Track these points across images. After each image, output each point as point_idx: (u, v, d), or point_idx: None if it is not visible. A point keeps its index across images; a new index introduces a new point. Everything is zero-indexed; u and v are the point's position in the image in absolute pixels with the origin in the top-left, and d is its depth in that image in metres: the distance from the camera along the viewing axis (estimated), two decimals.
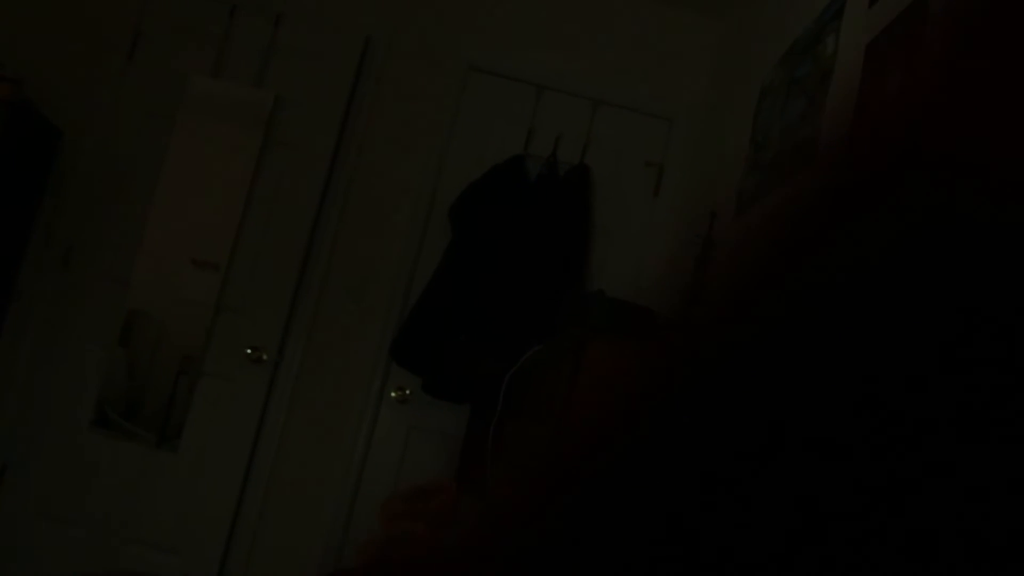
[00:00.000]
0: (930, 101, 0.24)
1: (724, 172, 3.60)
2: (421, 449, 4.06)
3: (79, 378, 4.00)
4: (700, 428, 0.22)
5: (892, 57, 2.22)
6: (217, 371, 4.02)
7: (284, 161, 4.11)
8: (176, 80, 4.13)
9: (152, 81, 4.16)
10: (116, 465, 3.97)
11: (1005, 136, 0.22)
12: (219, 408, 4.01)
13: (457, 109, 4.24)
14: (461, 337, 3.87)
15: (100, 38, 4.17)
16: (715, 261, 2.76)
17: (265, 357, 4.01)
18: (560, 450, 0.26)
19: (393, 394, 4.08)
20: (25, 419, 3.99)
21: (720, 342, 0.23)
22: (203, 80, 4.15)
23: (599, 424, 0.25)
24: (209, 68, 4.18)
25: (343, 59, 4.15)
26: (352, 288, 4.11)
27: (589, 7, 4.32)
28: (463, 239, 4.01)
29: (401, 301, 4.09)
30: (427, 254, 4.11)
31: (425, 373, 3.97)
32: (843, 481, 0.20)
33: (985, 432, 0.20)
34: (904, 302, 0.21)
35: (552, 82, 4.26)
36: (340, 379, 4.08)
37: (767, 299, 0.23)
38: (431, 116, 4.22)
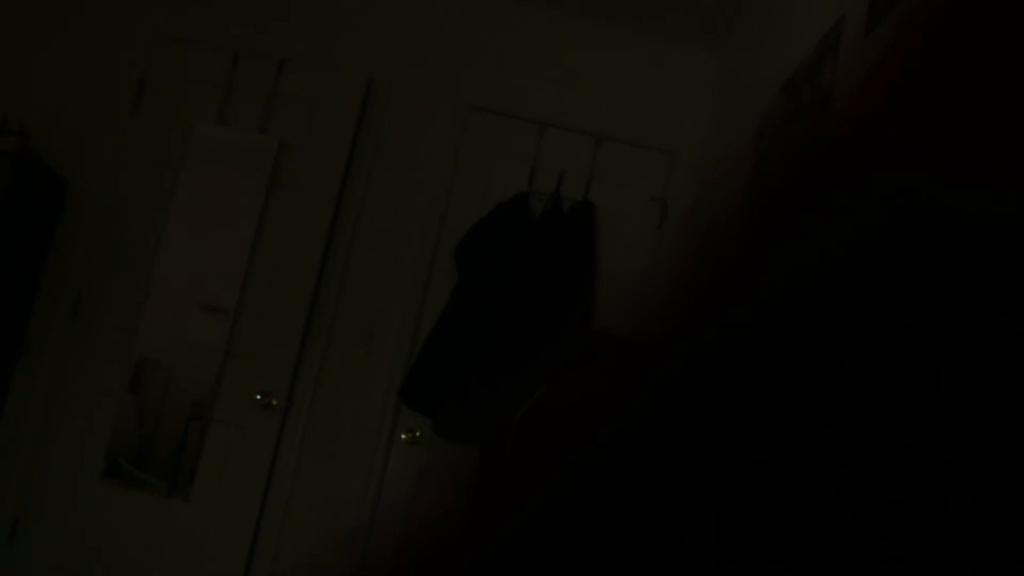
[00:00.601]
0: (901, 91, 0.23)
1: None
2: (432, 491, 4.04)
3: (90, 429, 4.00)
4: (675, 435, 0.22)
5: None
6: (227, 418, 4.01)
7: (290, 205, 4.13)
8: (181, 128, 4.16)
9: (157, 130, 4.19)
10: (128, 516, 3.96)
11: (982, 126, 0.22)
12: (230, 455, 4.00)
13: (460, 148, 4.25)
14: (470, 377, 3.85)
15: (105, 88, 4.21)
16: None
17: (275, 402, 4.01)
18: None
19: (403, 436, 4.06)
20: (36, 471, 3.98)
21: (688, 351, 0.23)
22: (208, 128, 4.18)
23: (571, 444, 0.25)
24: (213, 115, 4.20)
25: (345, 102, 4.18)
26: (360, 331, 4.11)
27: (588, 44, 4.34)
28: (469, 278, 4.01)
29: (409, 342, 4.08)
30: (434, 294, 4.10)
31: (435, 414, 3.95)
32: (830, 485, 0.20)
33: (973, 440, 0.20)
34: (879, 294, 0.21)
35: (554, 119, 4.27)
36: (350, 422, 4.07)
37: (737, 301, 0.23)
38: (434, 156, 4.23)
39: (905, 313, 0.21)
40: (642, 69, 4.33)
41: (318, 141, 4.16)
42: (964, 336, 0.20)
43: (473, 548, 0.24)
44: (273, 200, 4.14)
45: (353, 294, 4.14)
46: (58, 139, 4.11)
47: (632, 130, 4.28)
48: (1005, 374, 0.20)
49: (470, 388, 3.86)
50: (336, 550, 4.03)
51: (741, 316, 0.22)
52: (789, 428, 0.21)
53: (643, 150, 4.29)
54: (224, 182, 4.19)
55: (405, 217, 4.20)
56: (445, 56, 4.31)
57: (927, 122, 0.22)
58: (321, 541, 4.00)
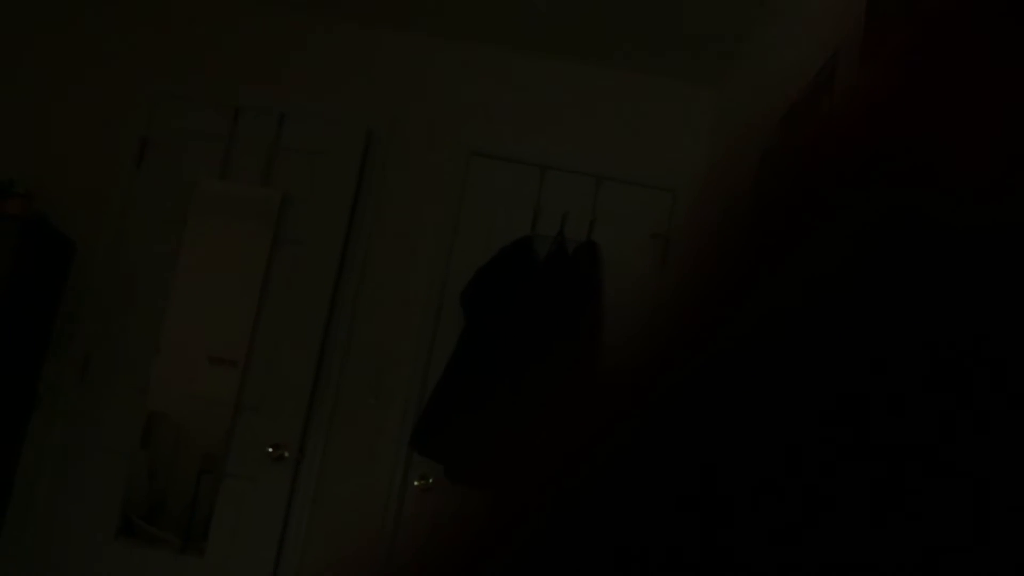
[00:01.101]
0: (889, 103, 0.23)
1: None
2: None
3: (102, 487, 4.00)
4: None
5: None
6: (239, 472, 4.01)
7: (295, 257, 4.15)
8: (185, 184, 4.19)
9: (161, 187, 4.21)
10: (142, 573, 3.94)
11: (969, 137, 0.21)
12: (243, 509, 3.99)
13: (463, 194, 4.27)
14: (480, 422, 3.85)
15: (108, 148, 4.25)
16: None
17: (287, 454, 4.01)
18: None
19: (416, 483, 4.05)
20: (50, 532, 3.97)
21: (673, 377, 0.22)
22: (211, 183, 4.21)
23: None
24: (216, 170, 4.23)
25: (347, 153, 4.21)
26: (370, 379, 4.12)
27: (585, 85, 4.37)
28: (476, 324, 4.02)
29: (419, 389, 4.08)
30: (442, 340, 4.11)
31: (447, 460, 3.95)
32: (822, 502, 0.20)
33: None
34: (868, 311, 0.21)
35: (555, 162, 4.29)
36: (362, 472, 4.06)
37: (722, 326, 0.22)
38: (437, 203, 4.26)
39: (900, 326, 0.21)
40: (641, 107, 4.36)
41: (321, 192, 4.18)
42: (960, 348, 0.20)
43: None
44: (278, 252, 4.16)
45: (361, 343, 4.15)
46: (63, 200, 4.14)
47: (632, 169, 4.30)
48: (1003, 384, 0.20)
49: (482, 432, 3.86)
50: None
51: (738, 330, 0.22)
52: (791, 440, 0.21)
53: (644, 188, 4.30)
54: (229, 235, 4.22)
55: (410, 264, 4.22)
56: (444, 103, 4.34)
57: (919, 133, 0.22)
58: None
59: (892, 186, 0.21)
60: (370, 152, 4.25)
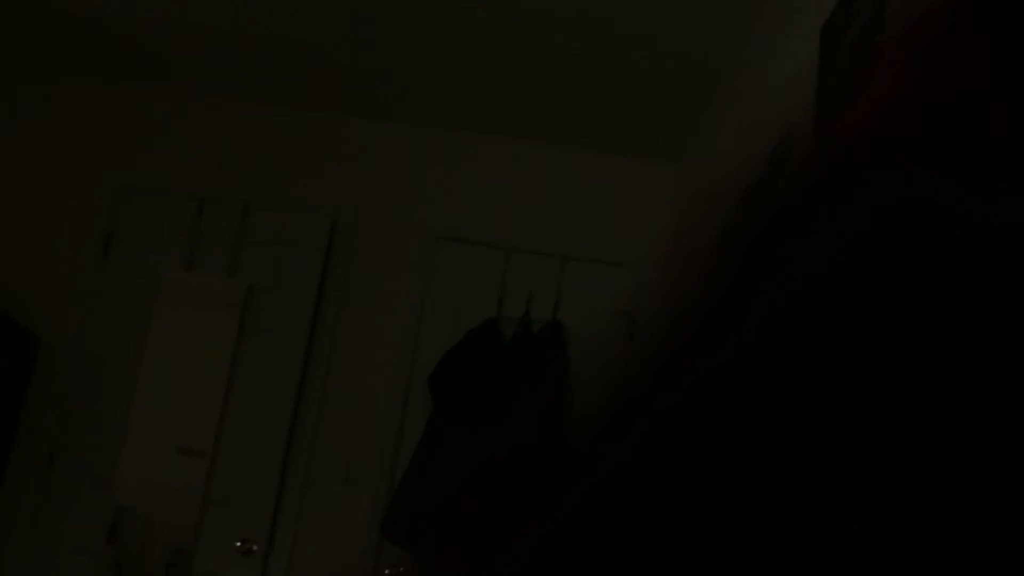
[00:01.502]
0: (902, 96, 0.23)
1: None
2: None
3: None
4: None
5: None
6: (208, 568, 3.94)
7: (261, 346, 4.13)
8: (149, 277, 4.18)
9: (126, 280, 4.20)
10: None
11: (985, 130, 0.21)
12: None
13: (428, 278, 4.28)
14: (448, 504, 3.81)
15: (72, 242, 4.23)
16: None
17: (255, 548, 3.94)
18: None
19: (386, 572, 3.99)
20: None
21: (690, 371, 0.23)
22: (177, 275, 4.20)
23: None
24: (181, 262, 4.23)
25: (312, 242, 4.22)
26: (338, 466, 4.07)
27: (548, 166, 4.41)
28: (444, 407, 4.00)
29: (388, 475, 4.05)
30: (410, 424, 4.08)
31: (418, 548, 3.89)
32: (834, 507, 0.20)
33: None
34: (883, 300, 0.21)
35: (519, 243, 4.32)
36: (332, 563, 4.00)
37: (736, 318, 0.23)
38: (403, 288, 4.26)
39: (907, 317, 0.20)
40: (604, 187, 4.40)
41: (287, 282, 4.18)
42: (969, 341, 0.20)
43: None
44: (244, 342, 4.14)
45: (329, 430, 4.12)
46: (26, 295, 4.11)
47: (597, 247, 4.33)
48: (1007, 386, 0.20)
49: (449, 515, 3.81)
50: None
51: (746, 331, 0.22)
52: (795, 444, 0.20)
53: (609, 266, 4.32)
54: (195, 326, 4.20)
55: (377, 350, 4.20)
56: (409, 188, 4.37)
57: (926, 127, 0.22)
58: None
59: (909, 176, 0.21)
60: (335, 240, 4.26)
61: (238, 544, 3.94)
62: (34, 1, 3.90)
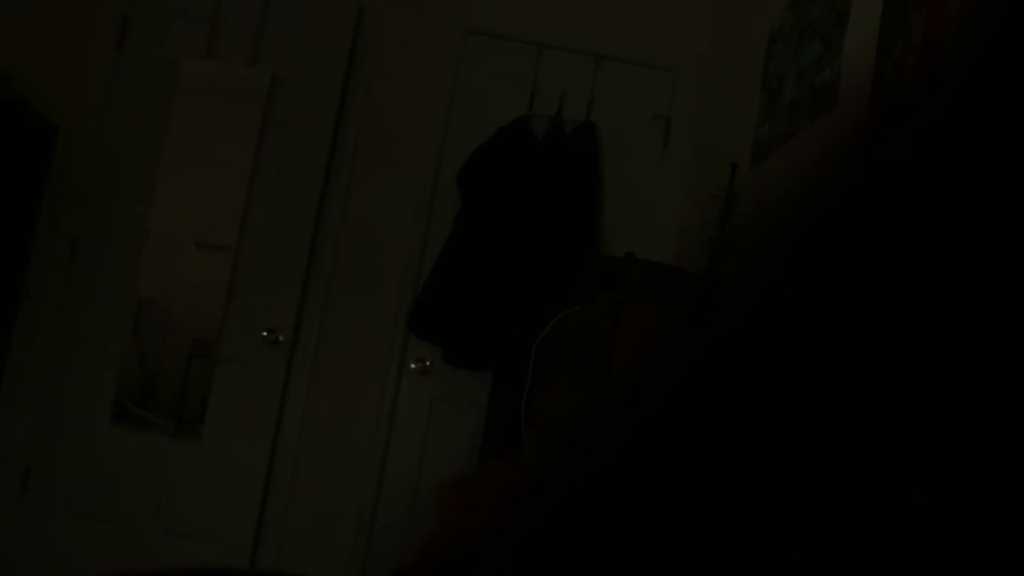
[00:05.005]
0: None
1: (735, 121, 3.54)
2: (445, 420, 4.04)
3: (95, 373, 3.97)
4: (735, 390, 0.21)
5: None
6: (234, 356, 3.98)
7: (285, 139, 4.06)
8: (169, 66, 4.07)
9: (144, 68, 4.09)
10: (140, 458, 3.94)
11: None
12: (239, 393, 3.97)
13: (457, 74, 4.17)
14: (479, 303, 3.83)
15: (88, 29, 4.10)
16: (739, 214, 2.71)
17: (281, 338, 3.98)
18: (596, 417, 0.25)
19: (413, 366, 4.04)
20: (44, 419, 3.96)
21: (750, 301, 0.22)
22: (196, 64, 4.08)
23: (634, 390, 0.24)
24: (201, 51, 4.10)
25: (337, 32, 4.08)
26: (364, 261, 4.07)
27: None
28: (473, 205, 3.96)
29: (415, 271, 4.04)
30: (437, 222, 4.06)
31: (445, 343, 3.94)
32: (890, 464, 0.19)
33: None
34: (943, 250, 0.19)
35: (552, 40, 4.18)
36: (359, 355, 4.05)
37: (796, 253, 0.22)
38: (432, 83, 4.15)
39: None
40: None
41: (311, 72, 4.07)
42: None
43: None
44: (268, 134, 4.06)
45: (355, 225, 4.09)
46: (44, 83, 4.01)
47: (633, 48, 4.21)
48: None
49: (480, 314, 3.84)
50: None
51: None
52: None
53: (645, 68, 4.22)
54: (217, 118, 4.11)
55: (405, 145, 4.13)
56: None
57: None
58: (336, 473, 4.00)
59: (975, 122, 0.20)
60: (362, 29, 4.12)
61: (264, 334, 3.97)
62: None
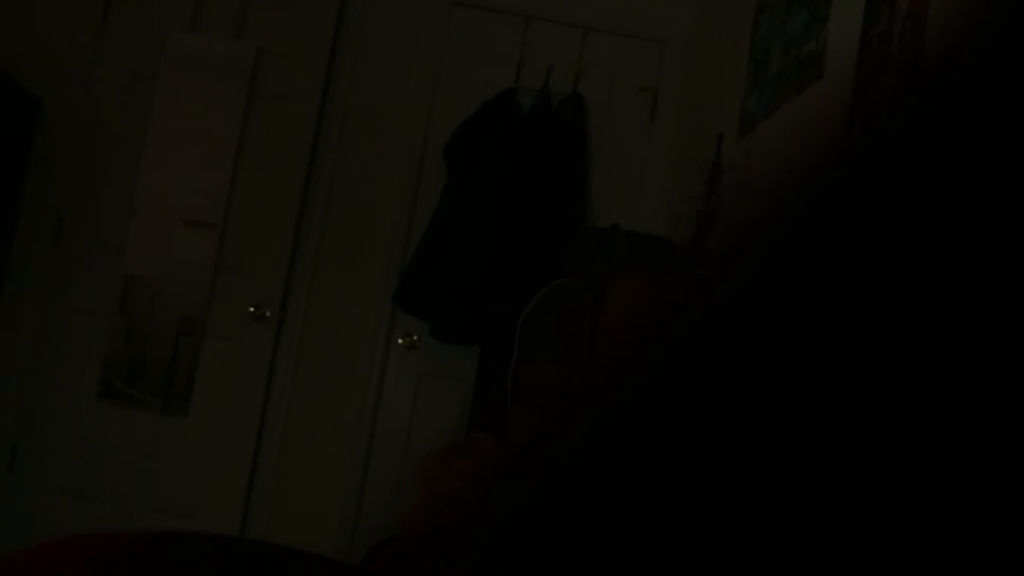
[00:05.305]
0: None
1: (722, 92, 3.52)
2: (433, 395, 4.03)
3: (82, 351, 3.96)
4: (724, 363, 0.20)
5: None
6: (221, 332, 3.97)
7: (271, 113, 4.03)
8: (153, 39, 4.03)
9: (129, 41, 4.06)
10: (128, 435, 3.94)
11: None
12: (226, 369, 3.96)
13: (444, 47, 4.14)
14: (466, 277, 3.81)
15: (72, 1, 4.06)
16: (725, 185, 2.70)
17: (268, 314, 3.96)
18: (582, 390, 0.25)
19: (400, 341, 4.03)
20: (32, 396, 3.95)
21: (742, 274, 0.22)
22: (182, 37, 4.05)
23: (621, 362, 0.24)
24: (186, 24, 4.07)
25: (323, 4, 4.04)
26: (351, 236, 4.05)
27: None
28: (459, 178, 3.94)
29: (402, 246, 4.03)
30: (424, 196, 4.04)
31: (432, 318, 3.93)
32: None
33: None
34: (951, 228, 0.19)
35: (539, 12, 4.15)
36: (346, 330, 4.04)
37: (790, 224, 0.22)
38: (417, 56, 4.12)
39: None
40: None
41: (297, 45, 4.03)
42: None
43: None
44: (254, 108, 4.03)
45: (342, 200, 4.07)
46: (27, 56, 3.97)
47: (620, 20, 4.18)
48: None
49: (467, 289, 3.83)
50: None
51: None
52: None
53: (632, 39, 4.19)
54: (202, 91, 4.07)
55: (390, 118, 4.10)
56: None
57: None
58: (323, 449, 4.00)
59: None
60: (347, 2, 4.09)
61: (251, 310, 3.95)
62: None
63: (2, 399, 3.95)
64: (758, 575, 0.19)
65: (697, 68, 4.04)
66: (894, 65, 2.13)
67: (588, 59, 4.15)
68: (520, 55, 4.13)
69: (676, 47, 4.17)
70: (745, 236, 0.23)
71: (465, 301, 3.82)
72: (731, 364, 0.20)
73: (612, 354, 0.24)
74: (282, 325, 4.00)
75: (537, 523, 0.22)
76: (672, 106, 4.14)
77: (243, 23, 4.07)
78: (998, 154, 0.19)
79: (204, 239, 3.98)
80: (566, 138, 3.98)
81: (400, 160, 4.08)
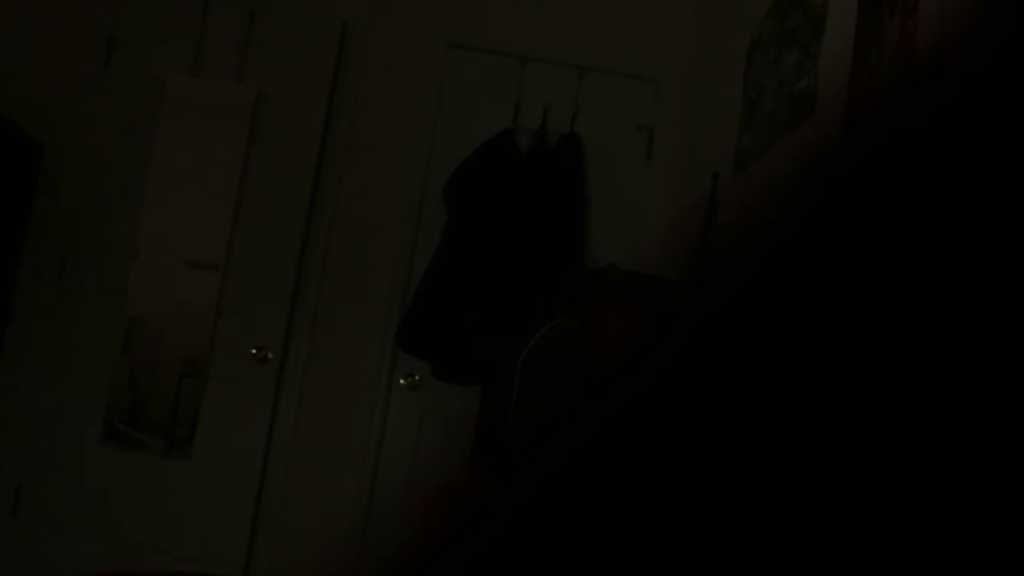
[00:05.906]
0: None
1: (718, 131, 3.55)
2: (435, 435, 4.04)
3: (85, 393, 3.97)
4: (714, 396, 0.21)
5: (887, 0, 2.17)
6: (223, 374, 3.98)
7: (272, 156, 4.06)
8: (155, 82, 4.07)
9: (130, 85, 4.10)
10: (130, 477, 3.94)
11: None
12: (229, 411, 3.97)
13: (441, 88, 4.18)
14: (466, 318, 3.83)
15: (73, 46, 4.11)
16: (721, 223, 2.72)
17: (270, 356, 3.98)
18: (570, 421, 0.25)
19: (402, 381, 4.04)
20: (35, 438, 3.96)
21: (732, 307, 0.22)
22: (182, 80, 4.09)
23: (606, 395, 0.24)
24: (187, 67, 4.11)
25: (322, 48, 4.09)
26: (352, 277, 4.07)
27: None
28: (459, 219, 3.97)
29: (403, 287, 4.05)
30: (424, 237, 4.06)
31: (433, 358, 3.93)
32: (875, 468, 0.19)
33: None
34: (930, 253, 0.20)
35: (536, 53, 4.20)
36: (348, 371, 4.04)
37: (778, 258, 0.22)
38: (416, 98, 4.16)
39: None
40: None
41: (296, 89, 4.08)
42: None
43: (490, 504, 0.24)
44: (254, 151, 4.07)
45: (342, 241, 4.10)
46: (30, 102, 4.02)
47: (615, 59, 4.22)
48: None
49: (468, 329, 3.84)
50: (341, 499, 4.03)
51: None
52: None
53: (627, 79, 4.23)
54: (203, 135, 4.11)
55: (390, 160, 4.14)
56: None
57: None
58: (327, 490, 4.00)
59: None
60: (346, 46, 4.13)
61: (253, 351, 3.97)
62: None
63: (5, 441, 3.95)
64: None
65: (692, 106, 4.07)
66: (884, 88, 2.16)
67: (584, 98, 4.19)
68: (518, 96, 4.17)
69: (671, 85, 4.20)
70: (738, 240, 0.23)
71: (466, 342, 3.83)
72: (729, 368, 0.21)
73: (602, 383, 0.24)
74: (284, 366, 4.01)
75: (520, 551, 0.22)
76: (668, 144, 4.17)
77: (243, 67, 4.11)
78: (998, 154, 0.19)
79: (206, 281, 4.01)
80: (564, 177, 4.01)
81: (400, 201, 4.11)
